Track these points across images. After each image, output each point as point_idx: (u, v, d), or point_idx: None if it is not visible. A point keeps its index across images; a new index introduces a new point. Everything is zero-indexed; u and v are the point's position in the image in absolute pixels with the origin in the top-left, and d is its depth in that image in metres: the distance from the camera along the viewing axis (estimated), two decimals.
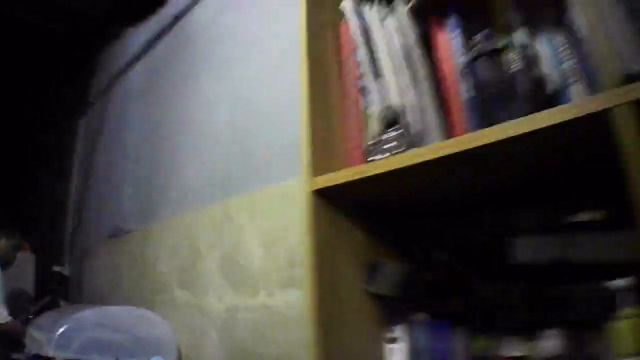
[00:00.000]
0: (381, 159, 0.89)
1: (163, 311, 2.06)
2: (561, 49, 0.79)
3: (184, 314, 1.97)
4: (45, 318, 2.10)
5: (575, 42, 0.77)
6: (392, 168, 0.85)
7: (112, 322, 1.85)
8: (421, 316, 1.00)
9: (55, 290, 3.04)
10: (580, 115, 0.65)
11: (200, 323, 1.88)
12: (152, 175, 2.46)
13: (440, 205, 1.05)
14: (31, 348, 1.88)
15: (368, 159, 0.93)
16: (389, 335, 1.02)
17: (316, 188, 0.96)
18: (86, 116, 3.48)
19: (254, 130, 1.83)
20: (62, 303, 2.85)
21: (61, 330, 1.72)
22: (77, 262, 3.16)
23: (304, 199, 0.96)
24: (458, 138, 0.79)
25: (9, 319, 2.51)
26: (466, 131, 0.82)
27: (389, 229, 1.08)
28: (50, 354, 1.65)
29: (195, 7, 2.38)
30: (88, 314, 1.82)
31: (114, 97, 3.09)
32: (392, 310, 1.03)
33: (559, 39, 0.79)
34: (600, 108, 0.64)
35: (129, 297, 2.40)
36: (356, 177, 0.90)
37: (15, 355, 2.15)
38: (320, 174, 0.95)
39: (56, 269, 3.19)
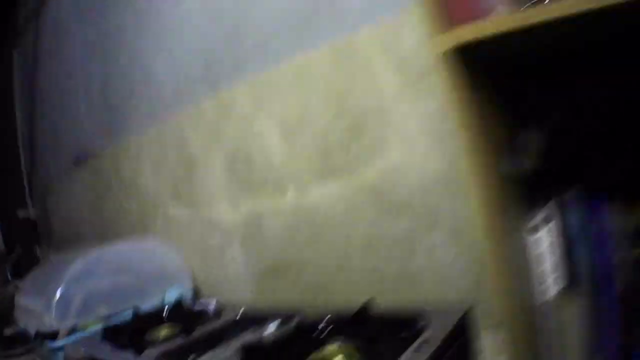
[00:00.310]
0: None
1: (159, 236, 1.79)
2: None
3: (189, 234, 1.70)
4: (33, 281, 1.78)
5: None
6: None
7: (110, 265, 1.56)
8: (569, 193, 0.82)
9: (27, 240, 2.67)
10: None
11: (214, 241, 1.61)
12: (111, 86, 2.09)
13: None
14: (24, 321, 1.57)
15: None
16: (532, 224, 0.84)
17: (455, 45, 0.73)
18: (19, 47, 3.00)
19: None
20: (39, 253, 2.47)
21: (58, 294, 1.43)
22: (41, 202, 2.84)
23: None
24: None
25: None
26: None
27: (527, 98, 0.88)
28: (54, 325, 1.38)
29: None
30: (81, 265, 1.52)
31: (48, 17, 2.61)
32: (534, 193, 0.85)
33: None
34: None
35: (111, 229, 2.14)
36: (512, 26, 0.67)
37: (7, 331, 1.75)
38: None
39: (21, 214, 2.78)
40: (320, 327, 1.10)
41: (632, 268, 0.79)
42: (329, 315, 1.11)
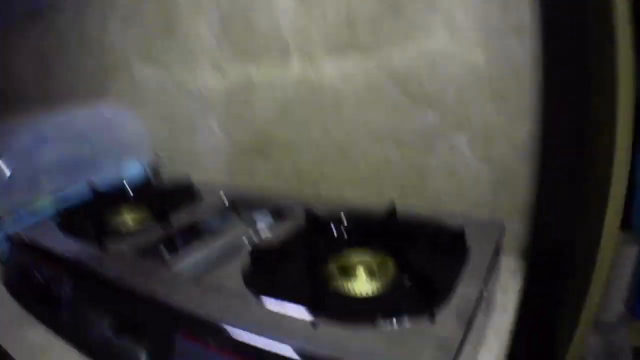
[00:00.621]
0: None
1: (120, 101, 1.47)
2: None
3: (157, 100, 1.41)
4: None
5: None
6: None
7: (60, 133, 1.28)
8: None
9: None
10: None
11: (188, 110, 1.34)
12: None
13: None
14: None
15: None
16: None
17: None
18: None
19: None
20: None
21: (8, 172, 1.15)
22: None
23: None
24: None
25: None
26: None
27: None
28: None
29: None
30: (26, 134, 1.23)
31: None
32: None
33: None
34: None
35: (64, 93, 1.79)
36: None
37: None
38: None
39: None
40: (335, 226, 0.93)
41: None
42: (342, 213, 0.96)
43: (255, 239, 0.92)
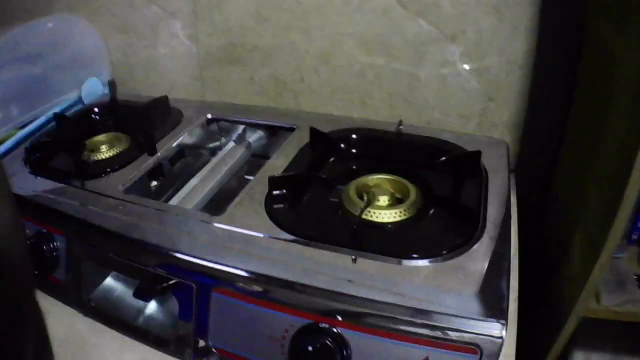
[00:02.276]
0: None
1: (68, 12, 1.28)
2: None
3: (111, 5, 1.24)
4: None
5: None
6: None
7: (9, 54, 1.12)
8: None
9: None
10: None
11: (148, 13, 1.21)
12: None
13: None
14: None
15: None
16: None
17: None
18: None
19: None
20: None
21: None
22: None
23: None
24: None
25: None
26: None
27: None
28: None
29: None
30: None
31: None
32: None
33: None
34: None
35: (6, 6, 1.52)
36: None
37: None
38: None
39: None
40: (342, 145, 0.93)
41: None
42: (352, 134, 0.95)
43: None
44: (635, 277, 0.84)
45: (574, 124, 0.97)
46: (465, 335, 0.56)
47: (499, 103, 1.01)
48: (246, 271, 0.65)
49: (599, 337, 1.00)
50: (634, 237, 0.90)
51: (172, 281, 0.67)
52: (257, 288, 0.64)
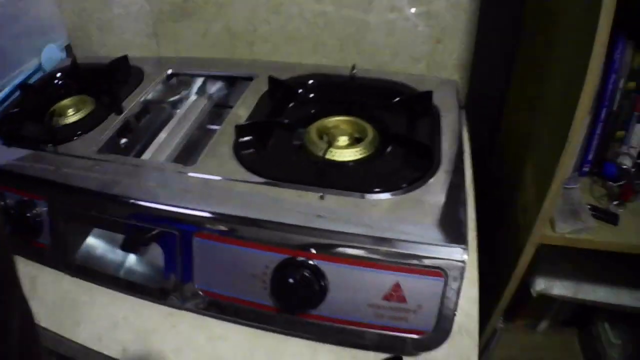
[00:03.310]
0: None
1: None
2: None
3: None
4: None
5: None
6: None
7: None
8: None
9: None
10: None
11: None
12: None
13: None
14: None
15: None
16: None
17: None
18: None
19: None
20: None
21: None
22: None
23: None
24: None
25: None
26: None
27: None
28: None
29: None
30: None
31: None
32: None
33: None
34: None
35: None
36: None
37: None
38: None
39: None
40: (300, 91, 0.96)
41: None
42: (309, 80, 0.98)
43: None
44: (589, 206, 0.90)
45: (521, 62, 1.02)
46: (430, 260, 0.62)
47: (447, 45, 1.04)
48: (223, 215, 0.68)
49: (560, 266, 1.07)
50: (585, 169, 0.96)
51: (155, 231, 0.70)
52: (235, 229, 0.67)
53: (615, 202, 0.91)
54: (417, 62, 1.08)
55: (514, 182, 0.98)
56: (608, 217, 0.88)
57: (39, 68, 1.18)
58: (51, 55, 1.20)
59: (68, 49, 1.26)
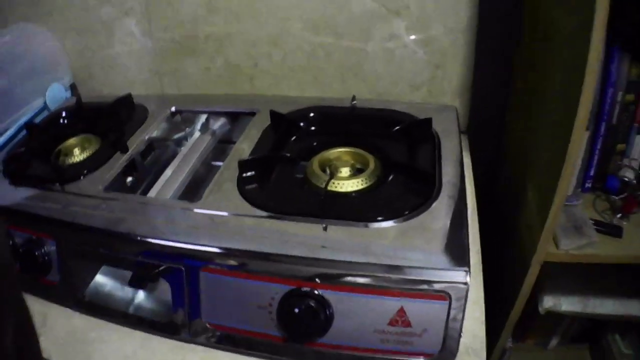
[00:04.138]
0: None
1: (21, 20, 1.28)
2: None
3: (64, 11, 1.25)
4: None
5: None
6: None
7: None
8: None
9: None
10: None
11: (101, 14, 1.22)
12: None
13: None
14: None
15: None
16: None
17: None
18: None
19: None
20: None
21: None
22: None
23: None
24: None
25: None
26: None
27: None
28: None
29: None
30: None
31: None
32: None
33: None
34: None
35: None
36: None
37: None
38: None
39: None
40: (302, 124, 0.99)
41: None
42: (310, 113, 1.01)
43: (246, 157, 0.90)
44: (592, 221, 0.91)
45: (518, 82, 1.04)
46: (434, 284, 0.63)
47: (446, 70, 1.07)
48: (229, 249, 0.71)
49: (567, 282, 1.08)
50: (588, 185, 0.98)
51: (163, 267, 0.73)
52: (241, 263, 0.69)
53: (618, 215, 0.93)
54: (417, 89, 1.11)
55: (517, 201, 1.00)
56: (612, 231, 0.90)
57: (44, 107, 1.22)
58: (56, 94, 1.24)
59: (72, 87, 1.30)
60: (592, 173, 0.96)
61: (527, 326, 1.24)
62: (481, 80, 1.09)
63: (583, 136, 0.75)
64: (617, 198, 0.95)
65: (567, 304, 1.08)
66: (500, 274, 1.00)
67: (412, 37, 1.05)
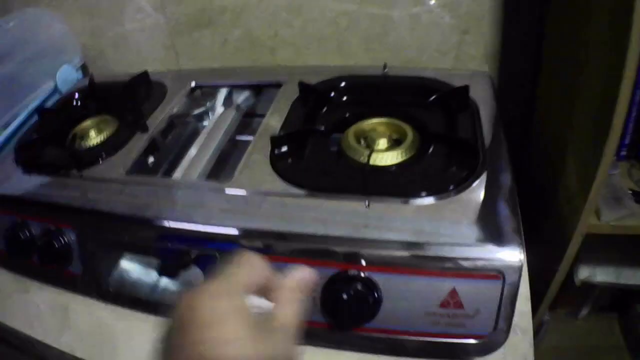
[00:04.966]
0: None
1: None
2: None
3: None
4: None
5: None
6: None
7: None
8: None
9: None
10: None
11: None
12: None
13: None
14: None
15: None
16: None
17: None
18: None
19: None
20: None
21: None
22: None
23: None
24: None
25: None
26: None
27: None
28: None
29: None
30: None
31: None
32: None
33: None
34: None
35: None
36: None
37: None
38: None
39: None
40: (332, 95, 0.94)
41: None
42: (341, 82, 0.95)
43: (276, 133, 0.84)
44: (630, 191, 0.88)
45: (552, 47, 0.99)
46: (486, 263, 0.59)
47: (474, 35, 1.02)
48: (266, 231, 0.66)
49: (601, 252, 1.07)
50: (623, 153, 0.94)
51: (195, 254, 0.68)
52: (279, 246, 0.65)
53: None
54: (444, 56, 1.06)
55: (554, 172, 0.95)
56: None
57: (55, 90, 1.17)
58: (67, 76, 1.19)
59: (84, 68, 1.25)
60: (627, 141, 0.93)
61: (559, 297, 1.22)
62: (510, 44, 1.04)
63: (629, 97, 0.69)
64: None
65: (602, 275, 1.07)
66: (535, 246, 0.97)
67: (438, 1, 0.99)
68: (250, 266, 0.40)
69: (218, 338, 0.33)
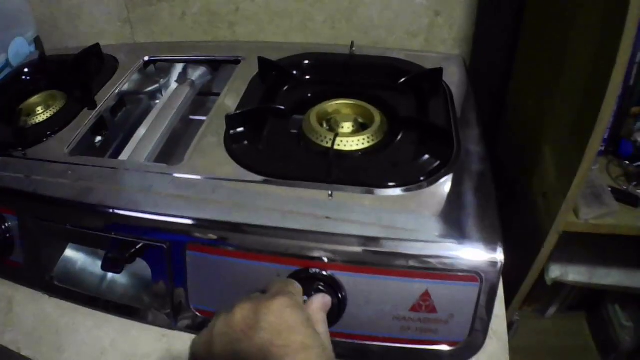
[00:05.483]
0: None
1: None
2: None
3: None
4: None
5: None
6: None
7: None
8: None
9: None
10: None
11: None
12: None
13: None
14: None
15: None
16: None
17: None
18: None
19: None
20: None
21: None
22: None
23: None
24: None
25: None
26: None
27: None
28: None
29: None
30: None
31: None
32: None
33: None
34: None
35: None
36: None
37: None
38: None
39: None
40: (294, 73, 0.84)
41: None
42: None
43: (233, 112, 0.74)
44: (609, 189, 0.81)
45: (529, 34, 0.90)
46: (463, 263, 0.51)
47: (446, 17, 0.93)
48: (220, 222, 0.56)
49: (574, 250, 1.00)
50: (601, 148, 0.87)
51: (140, 245, 0.58)
52: (234, 239, 0.55)
53: (634, 183, 0.82)
54: (414, 38, 0.97)
55: (529, 165, 0.87)
56: (629, 199, 0.79)
57: (6, 64, 1.04)
58: (19, 49, 1.06)
59: (37, 41, 1.11)
60: (605, 135, 0.85)
61: (528, 294, 1.16)
62: (485, 28, 0.94)
63: (618, 90, 0.61)
64: (631, 165, 0.85)
65: (574, 274, 1.00)
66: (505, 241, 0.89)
67: None
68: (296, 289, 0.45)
69: (304, 343, 0.37)
